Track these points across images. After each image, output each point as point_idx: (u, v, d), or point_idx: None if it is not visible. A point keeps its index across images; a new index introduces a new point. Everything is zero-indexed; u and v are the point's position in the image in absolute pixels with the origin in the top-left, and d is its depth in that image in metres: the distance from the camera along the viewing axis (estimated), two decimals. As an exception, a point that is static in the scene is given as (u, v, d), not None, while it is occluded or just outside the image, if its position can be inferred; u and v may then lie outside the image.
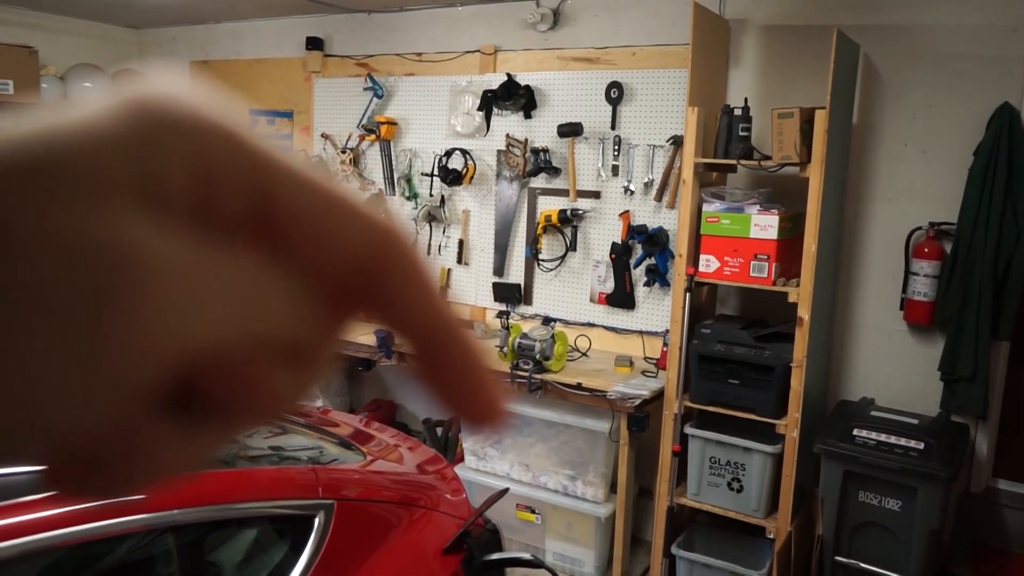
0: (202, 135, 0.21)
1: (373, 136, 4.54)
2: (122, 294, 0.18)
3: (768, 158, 3.06)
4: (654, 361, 3.72)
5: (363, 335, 4.04)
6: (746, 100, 3.21)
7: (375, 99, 4.56)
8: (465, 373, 0.25)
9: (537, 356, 3.55)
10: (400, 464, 2.42)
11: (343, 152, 4.71)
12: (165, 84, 0.21)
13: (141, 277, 0.18)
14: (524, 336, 3.62)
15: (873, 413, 3.11)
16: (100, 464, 0.21)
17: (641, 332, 3.92)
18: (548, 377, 3.55)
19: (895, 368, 3.38)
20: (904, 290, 3.28)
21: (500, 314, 4.00)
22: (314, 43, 4.80)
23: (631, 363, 3.70)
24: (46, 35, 5.15)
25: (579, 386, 3.47)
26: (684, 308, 3.27)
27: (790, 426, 3.09)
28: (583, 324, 4.06)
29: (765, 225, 3.09)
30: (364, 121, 4.59)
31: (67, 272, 0.18)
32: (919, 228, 3.25)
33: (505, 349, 3.65)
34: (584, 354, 3.87)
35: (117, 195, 0.19)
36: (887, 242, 3.35)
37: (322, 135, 4.83)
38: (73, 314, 0.18)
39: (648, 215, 3.84)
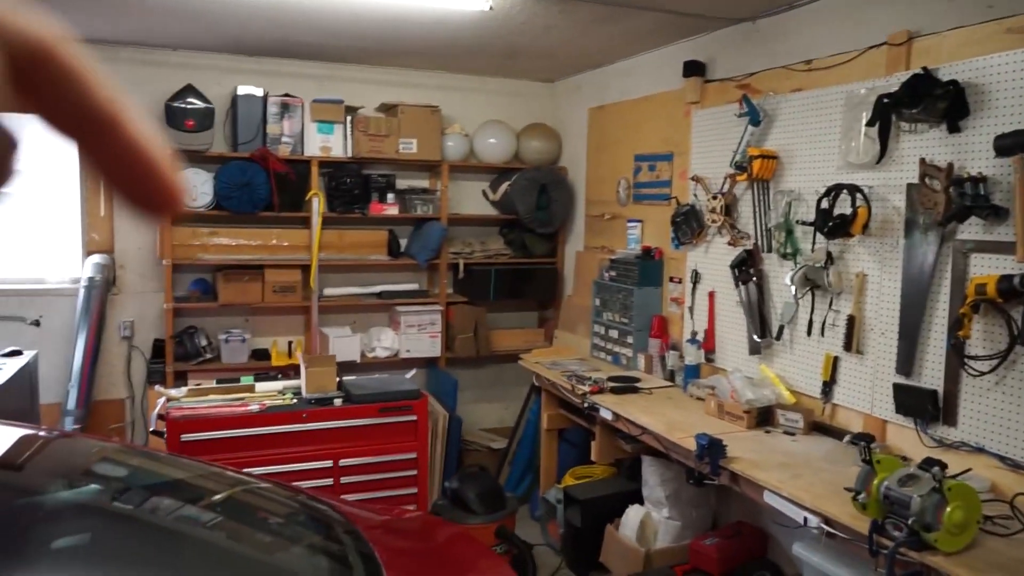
0: None
1: (744, 176, 3.47)
2: None
3: None
4: None
5: (686, 438, 3.02)
6: None
7: (751, 127, 3.50)
8: (131, 156, 0.28)
9: (911, 520, 2.11)
10: None
11: (714, 198, 3.72)
12: None
13: None
14: (898, 483, 2.19)
15: None
16: None
17: None
18: (933, 560, 2.07)
19: None
20: None
21: (856, 438, 2.57)
22: (693, 68, 3.94)
23: (1118, 565, 1.97)
24: (460, 95, 5.28)
25: (983, 592, 1.93)
26: None
27: None
28: (1042, 471, 2.38)
29: None
30: (737, 157, 3.55)
31: None
32: None
33: (863, 497, 2.27)
34: (1028, 527, 2.23)
35: None
36: None
37: (693, 178, 3.92)
38: None
39: None
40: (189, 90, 4.53)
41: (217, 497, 2.00)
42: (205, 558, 1.76)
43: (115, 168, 0.28)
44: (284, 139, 4.73)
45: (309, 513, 1.93)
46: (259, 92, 4.65)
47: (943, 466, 2.18)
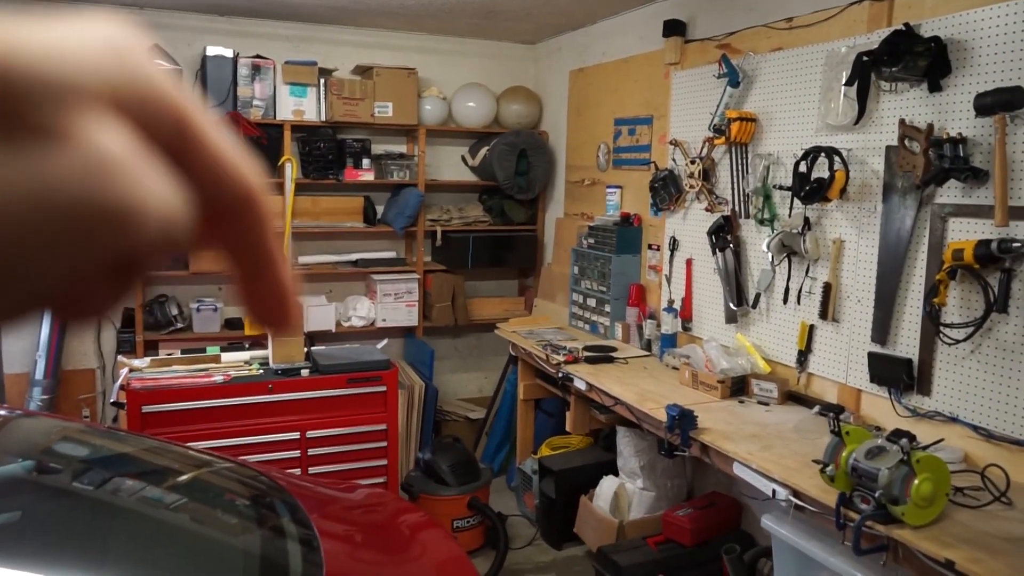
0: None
1: (722, 139, 3.36)
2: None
3: None
4: None
5: (657, 408, 2.95)
6: None
7: (729, 89, 3.38)
8: (262, 249, 0.27)
9: (879, 494, 2.04)
10: None
11: (692, 163, 3.61)
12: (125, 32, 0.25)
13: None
14: (865, 455, 2.12)
15: None
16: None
17: None
18: (899, 533, 2.01)
19: None
20: None
21: (825, 409, 2.50)
22: (673, 28, 3.81)
23: (1089, 539, 1.91)
24: (438, 57, 5.13)
25: (949, 566, 1.87)
26: None
27: None
28: (1018, 443, 2.31)
29: None
30: (716, 120, 3.44)
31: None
32: None
33: (831, 469, 2.20)
34: (999, 497, 2.16)
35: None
36: None
37: (671, 142, 3.80)
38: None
39: None
40: (156, 51, 4.38)
41: (158, 471, 1.92)
42: (138, 531, 1.68)
43: (245, 274, 0.27)
44: (255, 102, 4.59)
45: (250, 487, 1.86)
46: (229, 53, 4.51)
47: (912, 438, 2.11)
